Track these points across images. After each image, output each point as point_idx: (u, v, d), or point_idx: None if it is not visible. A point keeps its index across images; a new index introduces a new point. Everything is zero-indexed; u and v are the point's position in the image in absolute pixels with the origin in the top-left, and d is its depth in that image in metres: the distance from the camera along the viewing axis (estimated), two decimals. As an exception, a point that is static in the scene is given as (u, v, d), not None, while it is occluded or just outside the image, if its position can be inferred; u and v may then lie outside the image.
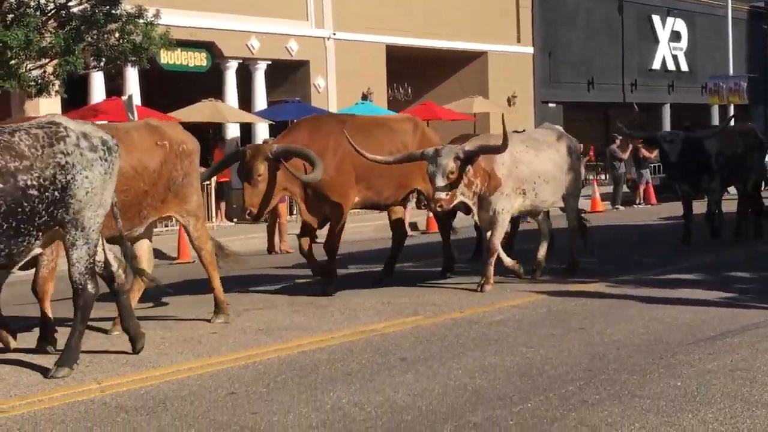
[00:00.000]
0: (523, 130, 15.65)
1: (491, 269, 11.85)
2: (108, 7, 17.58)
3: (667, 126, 40.04)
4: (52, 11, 17.68)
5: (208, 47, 25.61)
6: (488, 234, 12.06)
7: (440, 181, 11.02)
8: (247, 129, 26.66)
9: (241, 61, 26.46)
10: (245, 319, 10.47)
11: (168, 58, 24.00)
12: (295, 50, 27.44)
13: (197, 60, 25.48)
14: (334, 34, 28.35)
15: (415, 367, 7.93)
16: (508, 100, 33.42)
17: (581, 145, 13.53)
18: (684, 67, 41.66)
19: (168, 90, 25.81)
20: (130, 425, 6.54)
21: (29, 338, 9.65)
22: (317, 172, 11.30)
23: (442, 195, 11.02)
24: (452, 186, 11.12)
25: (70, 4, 17.64)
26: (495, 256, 11.86)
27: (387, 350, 8.66)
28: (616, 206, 27.65)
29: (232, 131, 26.05)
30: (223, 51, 25.77)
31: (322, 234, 12.57)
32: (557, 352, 8.36)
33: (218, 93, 25.46)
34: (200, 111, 23.55)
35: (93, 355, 8.76)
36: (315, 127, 12.23)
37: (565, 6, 36.29)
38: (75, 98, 21.31)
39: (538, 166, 12.27)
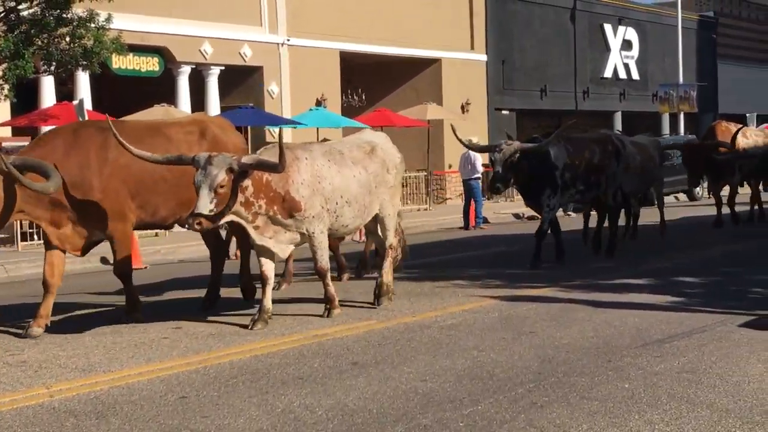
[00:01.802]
0: (324, 140, 14.60)
1: (332, 290, 10.69)
2: (59, 11, 17.40)
3: (618, 133, 40.48)
4: (1, 15, 17.48)
5: (161, 52, 25.48)
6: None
7: (204, 195, 9.27)
8: (200, 134, 26.52)
9: (194, 66, 26.35)
10: (197, 324, 10.43)
11: (120, 62, 23.85)
12: (248, 56, 27.38)
13: (149, 65, 25.35)
14: (288, 40, 28.33)
15: (367, 371, 7.96)
16: (462, 107, 33.60)
17: (399, 159, 11.42)
18: (635, 75, 42.16)
19: (120, 95, 25.66)
20: (79, 430, 6.50)
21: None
22: (51, 183, 9.70)
23: (205, 211, 9.24)
24: (221, 202, 9.37)
25: (20, 7, 17.46)
26: (328, 275, 10.61)
27: (339, 354, 8.68)
28: (568, 213, 27.85)
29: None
30: (175, 56, 25.65)
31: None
32: (508, 355, 8.43)
33: (171, 98, 25.32)
34: (152, 116, 23.24)
35: (42, 359, 8.69)
36: (71, 141, 10.43)
37: (519, 14, 36.58)
38: (25, 102, 21.13)
39: (341, 184, 10.56)
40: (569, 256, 15.45)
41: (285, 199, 10.02)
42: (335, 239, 12.78)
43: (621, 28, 41.33)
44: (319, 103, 28.67)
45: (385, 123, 28.54)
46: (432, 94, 32.23)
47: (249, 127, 27.31)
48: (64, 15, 17.44)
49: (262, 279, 10.24)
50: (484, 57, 35.01)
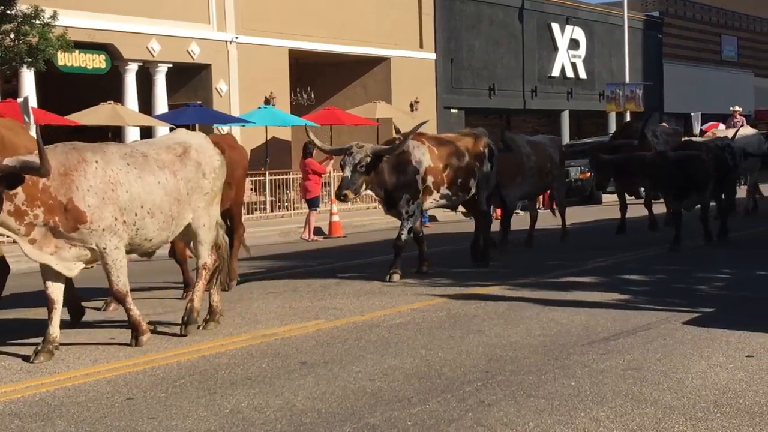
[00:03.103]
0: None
1: (135, 315, 9.30)
2: (2, 6, 17.20)
3: (566, 133, 40.86)
4: (-55, 11, 17.26)
5: (107, 49, 25.24)
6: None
7: None
8: (147, 132, 26.34)
9: (141, 63, 26.14)
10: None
11: (65, 60, 23.59)
12: (196, 53, 27.22)
13: (96, 62, 25.09)
14: (237, 37, 28.21)
15: (316, 371, 7.96)
16: (411, 106, 33.67)
17: (218, 162, 10.03)
18: (582, 74, 42.52)
19: (66, 92, 25.38)
20: (24, 432, 6.44)
21: None
22: None
23: None
24: None
25: (-37, 3, 17.25)
26: (129, 298, 9.21)
27: (287, 354, 8.67)
28: (516, 211, 28.01)
29: (132, 135, 25.71)
30: (122, 53, 25.43)
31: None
32: (456, 354, 8.47)
33: (118, 96, 25.11)
34: (99, 114, 23.21)
35: (-14, 362, 8.58)
36: None
37: (467, 13, 36.73)
38: (-31, 100, 20.79)
39: (141, 192, 9.13)
40: (517, 255, 15.59)
41: (68, 208, 8.62)
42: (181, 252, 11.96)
43: (569, 28, 41.67)
44: (267, 102, 28.59)
45: (335, 121, 28.55)
46: (381, 93, 32.28)
47: (197, 126, 27.17)
48: (9, 11, 17.25)
49: (48, 303, 8.89)
50: (433, 56, 35.12)
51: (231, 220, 12.93)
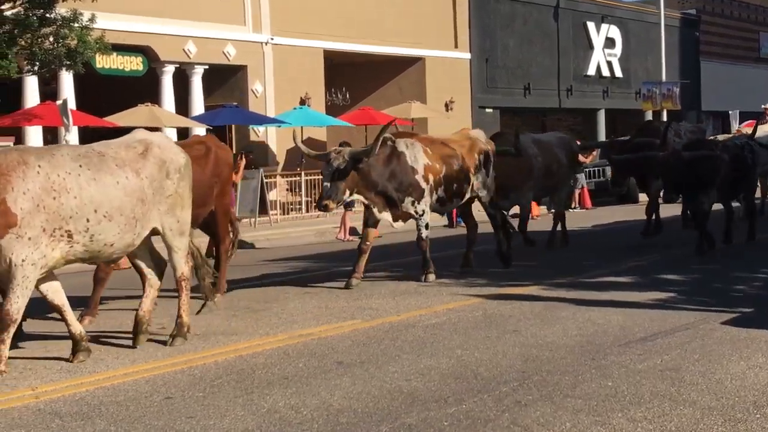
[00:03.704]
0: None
1: (4, 352, 8.22)
2: (42, 10, 17.37)
3: (602, 132, 40.65)
4: (-15, 14, 17.46)
5: (144, 51, 25.43)
6: None
7: None
8: (184, 134, 26.51)
9: (177, 65, 26.31)
10: (182, 325, 10.41)
11: (103, 62, 23.79)
12: (232, 55, 27.35)
13: (133, 64, 25.29)
14: (272, 38, 28.31)
15: (352, 371, 7.99)
16: (446, 105, 33.64)
17: (183, 161, 9.38)
18: (618, 73, 42.26)
19: (104, 94, 25.61)
20: (65, 431, 6.52)
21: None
22: None
23: None
24: None
25: (2, 7, 17.41)
26: (12, 329, 8.24)
27: (324, 354, 8.70)
28: (551, 210, 27.90)
29: (169, 136, 25.89)
30: (159, 55, 25.61)
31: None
32: (492, 354, 8.47)
33: (155, 97, 25.28)
34: (136, 115, 23.36)
35: (28, 361, 8.69)
36: None
37: (502, 12, 36.64)
38: (8, 102, 21.05)
39: (95, 195, 8.50)
40: (552, 254, 15.55)
41: None
42: (108, 265, 10.54)
43: (604, 26, 41.43)
44: (303, 102, 28.66)
45: (369, 121, 28.59)
46: (416, 93, 32.25)
47: (233, 126, 27.32)
48: (48, 15, 17.43)
49: (54, 309, 8.82)
50: (467, 55, 35.06)
51: (215, 227, 12.21)
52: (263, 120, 26.86)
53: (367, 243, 13.11)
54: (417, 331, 9.68)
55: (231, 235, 12.77)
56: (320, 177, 23.94)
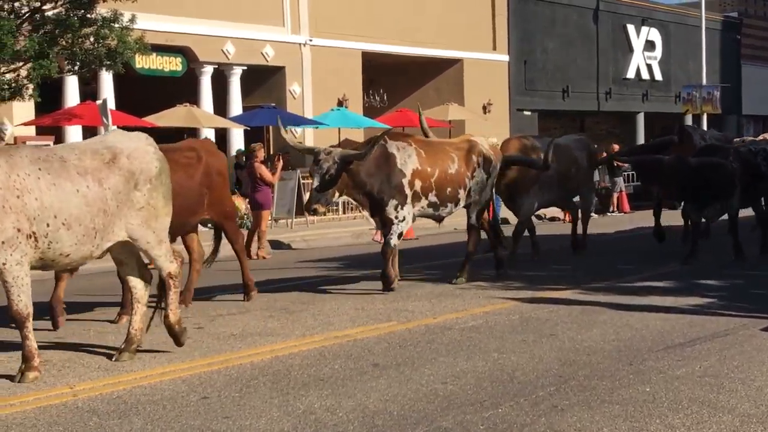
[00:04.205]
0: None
1: (31, 347, 8.13)
2: (83, 11, 17.51)
3: (641, 136, 40.37)
4: (27, 15, 17.60)
5: (184, 52, 25.58)
6: None
7: None
8: (222, 134, 26.65)
9: (216, 66, 26.45)
10: (219, 325, 10.48)
11: (143, 62, 23.97)
12: (270, 56, 27.45)
13: (172, 65, 25.45)
14: (311, 40, 28.38)
15: (388, 373, 7.98)
16: (484, 108, 33.56)
17: (156, 170, 8.80)
18: (658, 76, 41.98)
19: (143, 94, 25.78)
20: (102, 429, 6.55)
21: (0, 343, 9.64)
22: None
23: None
24: None
25: (44, 7, 17.56)
26: (29, 324, 8.10)
27: (360, 356, 8.70)
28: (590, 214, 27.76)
29: (207, 136, 26.04)
30: (198, 56, 25.75)
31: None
32: (528, 358, 8.43)
33: (193, 98, 25.43)
34: (175, 116, 23.53)
35: (66, 359, 8.75)
36: None
37: (541, 14, 36.50)
38: (49, 102, 21.22)
39: (54, 202, 8.06)
40: (588, 257, 15.45)
41: None
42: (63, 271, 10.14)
43: (644, 29, 41.17)
44: (340, 104, 28.71)
45: (407, 123, 28.56)
46: (454, 95, 32.22)
47: (270, 127, 27.41)
48: (88, 15, 17.56)
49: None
50: (506, 57, 34.96)
51: (224, 233, 12.16)
52: (301, 121, 26.93)
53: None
54: (453, 333, 9.65)
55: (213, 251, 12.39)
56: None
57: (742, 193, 14.90)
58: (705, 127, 37.88)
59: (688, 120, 40.41)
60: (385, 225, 12.68)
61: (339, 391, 7.42)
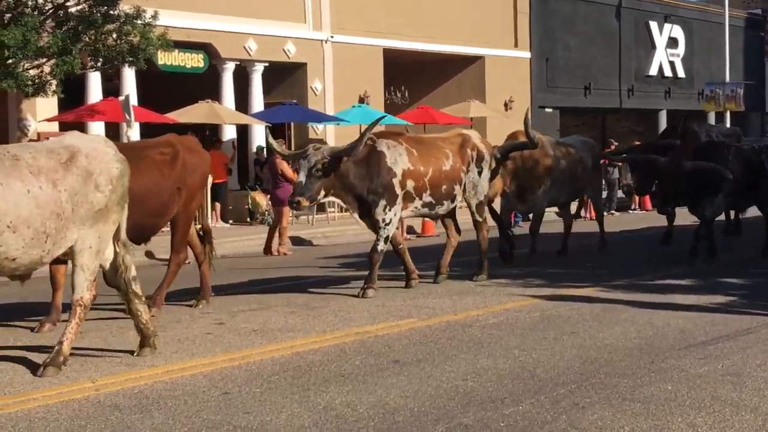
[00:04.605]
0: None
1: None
2: (106, 7, 17.59)
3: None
4: (50, 11, 17.69)
5: (206, 48, 25.63)
6: None
7: None
8: (243, 130, 26.70)
9: (238, 62, 26.49)
10: (240, 320, 10.51)
11: (165, 59, 24.01)
12: (292, 52, 27.47)
13: (194, 61, 25.49)
14: (332, 36, 28.38)
15: (408, 369, 7.98)
16: (505, 105, 33.47)
17: (118, 171, 8.33)
18: (681, 73, 41.75)
19: (165, 91, 25.85)
20: (124, 424, 6.58)
21: (25, 336, 9.69)
22: None
23: None
24: None
25: (67, 4, 17.65)
26: None
27: (380, 352, 8.70)
28: (611, 211, 27.71)
29: (229, 133, 26.10)
30: (220, 52, 25.79)
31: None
32: (549, 355, 8.41)
33: (215, 94, 25.47)
34: (197, 112, 23.58)
35: (87, 354, 8.79)
36: None
37: (563, 11, 36.35)
38: (72, 98, 21.33)
39: (0, 203, 7.63)
40: (608, 256, 15.39)
41: None
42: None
43: (667, 26, 40.94)
44: (362, 100, 28.69)
45: (429, 120, 28.55)
46: (475, 92, 32.14)
47: (292, 124, 27.44)
48: (111, 12, 17.64)
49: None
50: (527, 54, 34.85)
51: (172, 236, 11.34)
52: (322, 118, 26.94)
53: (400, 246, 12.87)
54: (474, 330, 9.64)
55: (206, 246, 11.85)
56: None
57: (744, 194, 14.68)
58: (728, 124, 37.79)
59: (711, 118, 40.22)
60: (374, 228, 12.39)
61: (359, 387, 7.42)
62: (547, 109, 35.57)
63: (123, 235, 8.66)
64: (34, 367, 8.19)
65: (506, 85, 33.50)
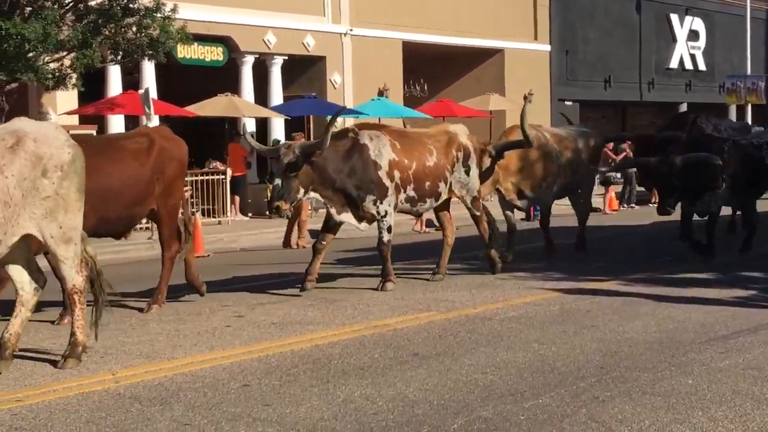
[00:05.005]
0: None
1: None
2: (125, 1, 17.66)
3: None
4: (70, 4, 17.77)
5: (225, 42, 25.67)
6: None
7: None
8: (262, 124, 26.73)
9: (257, 55, 26.51)
10: (259, 313, 10.52)
11: (184, 52, 24.06)
12: (311, 46, 27.48)
13: (213, 54, 25.54)
14: (351, 29, 28.37)
15: (427, 363, 7.97)
16: (525, 98, 33.35)
17: (69, 157, 7.88)
18: (702, 66, 41.54)
19: (184, 84, 25.91)
20: (144, 415, 6.60)
21: (44, 329, 9.74)
22: None
23: None
24: None
25: (88, -3, 17.75)
26: None
27: (399, 345, 8.70)
28: (631, 205, 27.60)
29: (248, 126, 26.12)
30: (239, 45, 25.83)
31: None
32: (569, 349, 8.38)
33: (234, 87, 25.50)
34: (216, 105, 23.62)
35: (108, 346, 8.83)
36: None
37: (583, 4, 36.22)
38: (92, 91, 21.41)
39: None
40: (627, 250, 15.32)
41: None
42: None
43: (688, 18, 40.73)
44: (381, 93, 28.68)
45: (447, 113, 28.49)
46: (494, 85, 32.06)
47: (311, 117, 27.45)
48: (131, 5, 17.71)
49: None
50: (547, 47, 34.75)
51: (159, 230, 11.21)
52: (342, 111, 26.92)
53: (323, 243, 11.95)
54: (493, 324, 9.62)
55: (183, 240, 11.32)
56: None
57: (743, 189, 14.27)
58: (749, 119, 37.55)
59: (732, 111, 40.00)
60: (361, 222, 11.92)
61: (379, 380, 7.42)
62: (567, 102, 35.45)
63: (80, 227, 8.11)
64: (54, 360, 8.22)
65: (526, 78, 33.41)
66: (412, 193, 12.21)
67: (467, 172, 12.80)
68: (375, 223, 12.03)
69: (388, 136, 12.11)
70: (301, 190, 11.29)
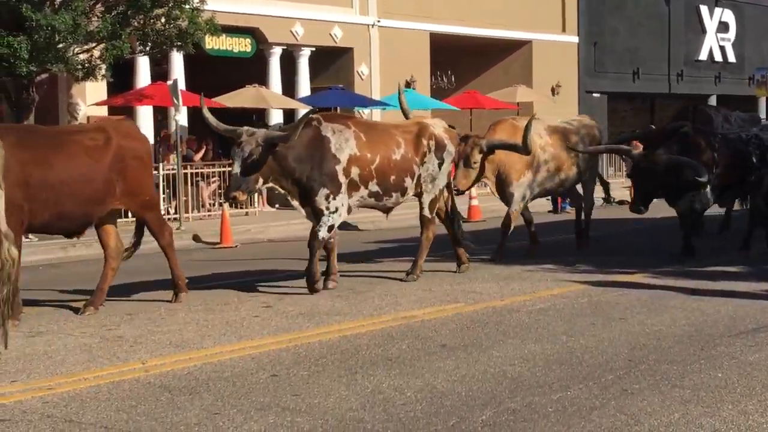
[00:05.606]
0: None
1: None
2: (155, -8, 17.72)
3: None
4: (100, -4, 17.86)
5: (253, 33, 25.71)
6: None
7: None
8: (290, 115, 26.77)
9: (285, 47, 26.54)
10: (287, 303, 10.56)
11: (213, 43, 24.14)
12: (339, 37, 27.48)
13: (242, 46, 25.60)
14: (379, 21, 28.35)
15: (455, 354, 7.97)
16: (552, 90, 33.25)
17: None
18: (731, 58, 41.22)
19: (212, 75, 25.98)
20: (173, 404, 6.64)
21: (74, 318, 9.82)
22: None
23: None
24: None
25: (117, -12, 17.81)
26: None
27: (427, 336, 8.71)
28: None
29: (276, 117, 26.18)
30: (267, 37, 25.86)
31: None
32: (597, 341, 8.36)
33: (262, 79, 25.55)
34: (244, 96, 23.67)
35: (138, 335, 8.89)
36: None
37: (611, -5, 36.03)
38: (121, 82, 21.52)
39: None
40: (655, 242, 15.25)
41: None
42: None
43: (717, 10, 40.42)
44: (408, 85, 28.64)
45: (474, 105, 28.47)
46: (522, 77, 31.96)
47: (339, 109, 27.47)
48: (160, -4, 17.75)
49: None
50: (575, 39, 34.59)
51: (147, 226, 10.88)
52: (368, 102, 26.93)
53: (331, 240, 11.77)
54: (521, 316, 9.61)
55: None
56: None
57: (740, 187, 13.96)
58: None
59: (761, 104, 39.68)
60: (316, 216, 11.35)
61: (407, 371, 7.43)
62: (594, 94, 35.30)
63: (4, 225, 7.47)
64: (84, 348, 8.29)
65: (554, 69, 33.28)
66: (375, 188, 11.74)
67: (440, 165, 12.26)
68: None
69: (353, 128, 11.64)
70: (260, 180, 10.94)
